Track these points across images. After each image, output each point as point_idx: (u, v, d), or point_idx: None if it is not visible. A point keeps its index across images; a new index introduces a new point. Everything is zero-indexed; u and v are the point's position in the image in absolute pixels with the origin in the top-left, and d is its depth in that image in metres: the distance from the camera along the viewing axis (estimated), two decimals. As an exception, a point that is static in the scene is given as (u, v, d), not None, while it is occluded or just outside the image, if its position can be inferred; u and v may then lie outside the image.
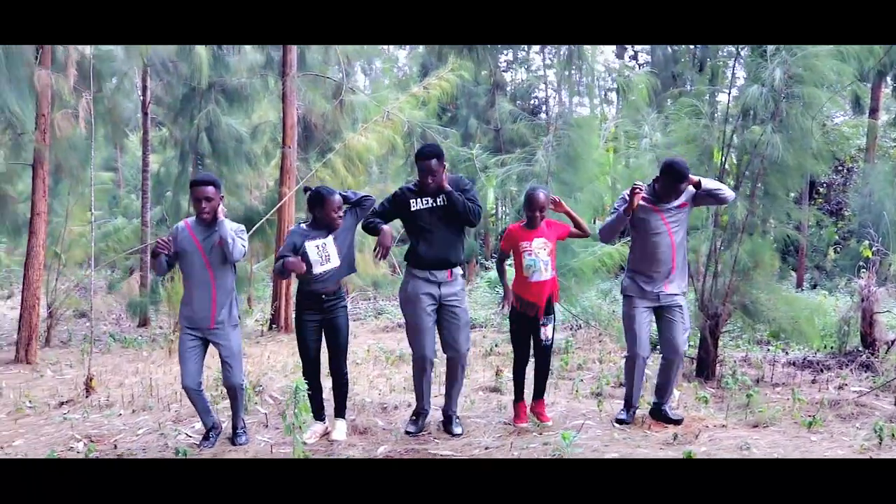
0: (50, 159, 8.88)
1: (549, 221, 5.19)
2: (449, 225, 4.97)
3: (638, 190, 4.79)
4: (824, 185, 21.28)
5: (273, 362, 8.29)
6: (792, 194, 7.79)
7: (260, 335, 11.16)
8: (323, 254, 4.80)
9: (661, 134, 7.21)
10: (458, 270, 5.05)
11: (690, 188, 4.93)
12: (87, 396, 6.62)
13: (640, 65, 26.34)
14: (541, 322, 5.10)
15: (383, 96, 10.86)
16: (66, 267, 11.90)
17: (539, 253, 5.01)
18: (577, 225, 5.26)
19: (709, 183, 4.96)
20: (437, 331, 5.06)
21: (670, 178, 4.82)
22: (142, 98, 12.32)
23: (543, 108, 22.26)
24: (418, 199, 4.95)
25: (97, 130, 11.09)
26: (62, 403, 6.49)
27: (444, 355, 5.16)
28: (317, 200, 4.82)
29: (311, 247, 4.80)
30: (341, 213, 4.86)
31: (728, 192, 5.02)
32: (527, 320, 5.13)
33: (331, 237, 4.85)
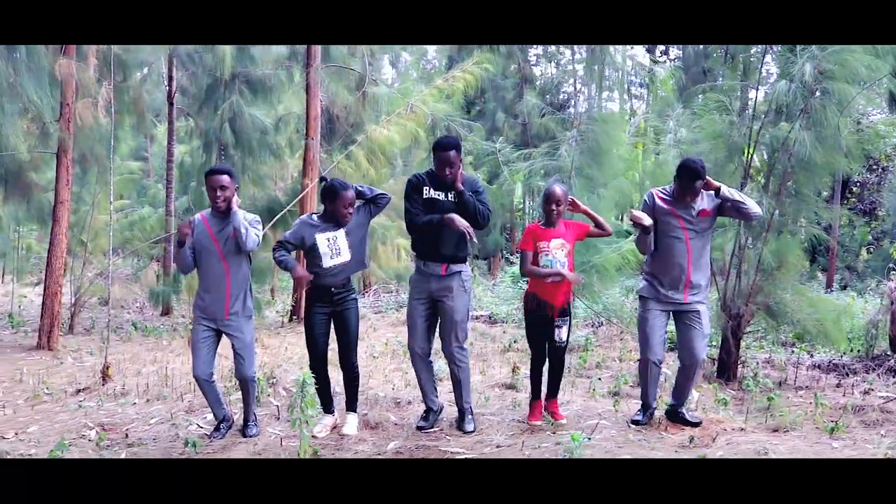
0: (74, 148, 8.94)
1: (568, 222, 5.10)
2: None
3: (637, 219, 4.74)
4: (857, 183, 20.86)
5: (290, 354, 8.27)
6: (822, 193, 7.60)
7: (280, 326, 11.18)
8: (333, 247, 4.76)
9: (685, 130, 7.07)
10: (457, 267, 4.91)
11: (713, 196, 4.81)
12: (103, 384, 6.65)
13: (670, 60, 26.04)
14: (556, 323, 5.01)
15: (407, 88, 10.79)
16: (91, 255, 12.01)
17: (556, 253, 4.92)
18: (597, 224, 5.15)
19: (732, 193, 4.81)
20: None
21: (683, 178, 4.71)
22: (167, 88, 12.38)
23: (572, 102, 22.08)
24: (431, 189, 4.87)
25: (123, 120, 11.19)
26: (79, 391, 6.53)
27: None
28: (330, 193, 4.77)
29: (321, 239, 4.76)
30: (351, 211, 4.80)
31: (754, 208, 4.81)
32: (542, 320, 5.04)
33: (342, 230, 4.80)
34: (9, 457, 4.55)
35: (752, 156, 6.49)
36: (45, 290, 8.92)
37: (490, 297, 14.41)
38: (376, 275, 14.52)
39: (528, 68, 24.04)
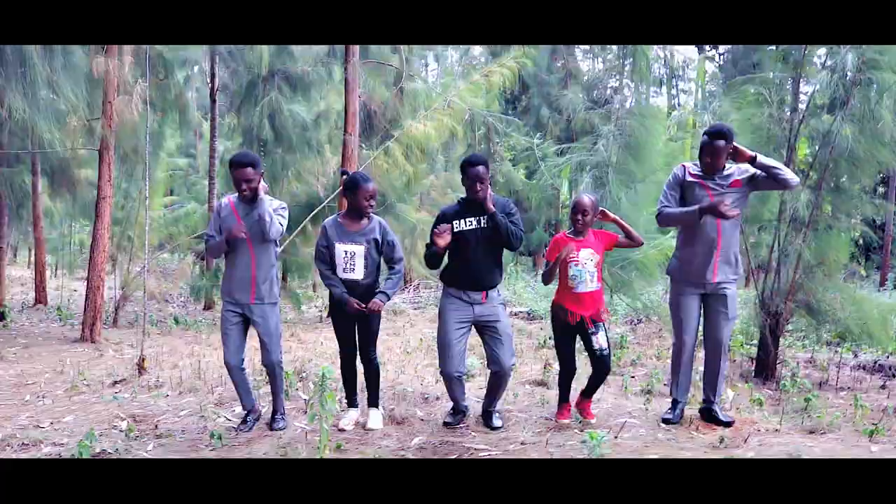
0: (117, 145, 9.11)
1: (597, 232, 5.00)
2: (490, 247, 4.82)
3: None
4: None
5: (324, 349, 8.31)
6: (875, 188, 7.34)
7: (318, 321, 11.25)
8: (349, 262, 4.81)
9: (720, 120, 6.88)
10: (494, 293, 4.89)
11: (746, 167, 4.65)
12: (139, 377, 6.76)
13: (719, 54, 25.54)
14: (590, 331, 4.91)
15: (445, 83, 10.76)
16: (138, 250, 12.25)
17: (586, 263, 4.85)
18: (627, 234, 5.04)
19: (766, 160, 4.60)
20: (477, 347, 4.95)
21: (707, 137, 4.59)
22: (210, 85, 12.55)
23: (615, 97, 21.80)
24: (462, 220, 4.82)
25: (167, 117, 11.39)
26: (115, 383, 6.64)
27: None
28: (351, 185, 4.81)
29: (340, 250, 4.82)
30: (373, 203, 4.85)
31: (790, 175, 4.60)
32: (570, 330, 4.95)
33: (362, 248, 4.82)
34: (42, 445, 4.66)
35: (792, 149, 6.30)
36: (87, 283, 9.11)
37: (531, 293, 14.32)
38: (417, 271, 14.55)
39: (573, 63, 23.84)
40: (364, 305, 4.81)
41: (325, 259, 4.90)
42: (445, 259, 4.90)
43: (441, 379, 5.09)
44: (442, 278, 4.98)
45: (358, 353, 5.08)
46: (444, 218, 4.85)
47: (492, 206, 4.71)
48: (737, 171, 4.70)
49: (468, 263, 4.79)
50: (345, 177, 4.93)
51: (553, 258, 4.90)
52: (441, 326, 4.91)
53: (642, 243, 5.18)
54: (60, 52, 7.27)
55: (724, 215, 4.49)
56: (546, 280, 4.98)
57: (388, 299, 4.93)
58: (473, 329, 4.91)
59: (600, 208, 4.97)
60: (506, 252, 5.02)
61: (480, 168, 4.70)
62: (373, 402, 5.13)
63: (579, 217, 4.85)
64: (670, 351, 7.79)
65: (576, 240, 4.88)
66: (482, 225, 4.77)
